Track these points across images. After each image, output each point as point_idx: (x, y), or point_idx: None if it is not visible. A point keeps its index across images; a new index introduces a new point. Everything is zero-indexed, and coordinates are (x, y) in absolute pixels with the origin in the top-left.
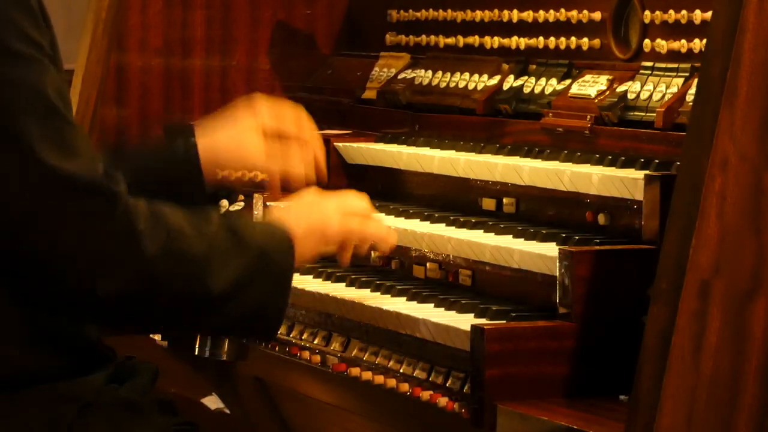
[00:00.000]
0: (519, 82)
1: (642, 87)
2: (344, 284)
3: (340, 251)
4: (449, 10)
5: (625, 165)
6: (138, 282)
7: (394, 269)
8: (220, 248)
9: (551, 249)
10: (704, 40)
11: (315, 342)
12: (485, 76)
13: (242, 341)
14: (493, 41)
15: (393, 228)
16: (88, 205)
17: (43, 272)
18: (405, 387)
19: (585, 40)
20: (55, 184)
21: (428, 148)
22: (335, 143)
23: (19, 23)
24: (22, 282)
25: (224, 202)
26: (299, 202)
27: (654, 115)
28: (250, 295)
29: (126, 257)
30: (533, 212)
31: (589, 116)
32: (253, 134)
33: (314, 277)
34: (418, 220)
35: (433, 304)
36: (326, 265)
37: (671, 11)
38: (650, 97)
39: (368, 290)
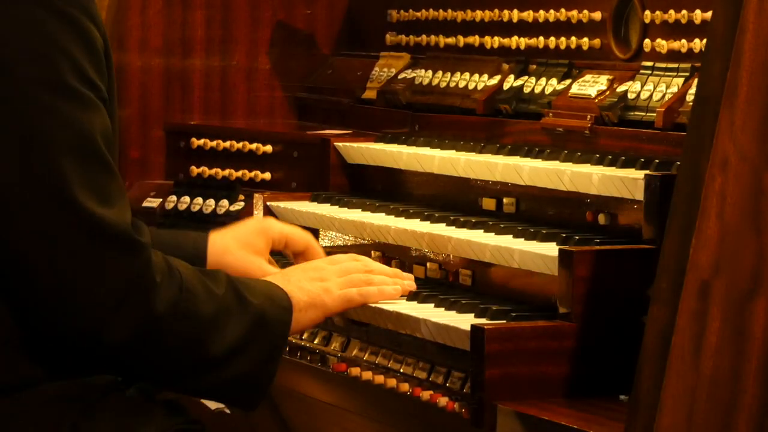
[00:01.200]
0: (519, 82)
1: (642, 87)
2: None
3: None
4: (449, 10)
5: (625, 165)
6: (143, 335)
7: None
8: (226, 311)
9: (551, 249)
10: (704, 40)
11: (315, 342)
12: (485, 76)
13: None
14: (493, 41)
15: (393, 228)
16: (114, 254)
17: (56, 310)
18: (405, 387)
19: (585, 40)
20: (87, 228)
21: (428, 148)
22: (335, 143)
23: (80, 62)
24: (31, 313)
25: (224, 202)
26: (299, 271)
27: (654, 115)
28: (243, 361)
29: (137, 309)
30: (533, 212)
31: (589, 116)
32: (260, 240)
33: None
34: (418, 220)
35: (433, 304)
36: None
37: (671, 11)
38: (650, 97)
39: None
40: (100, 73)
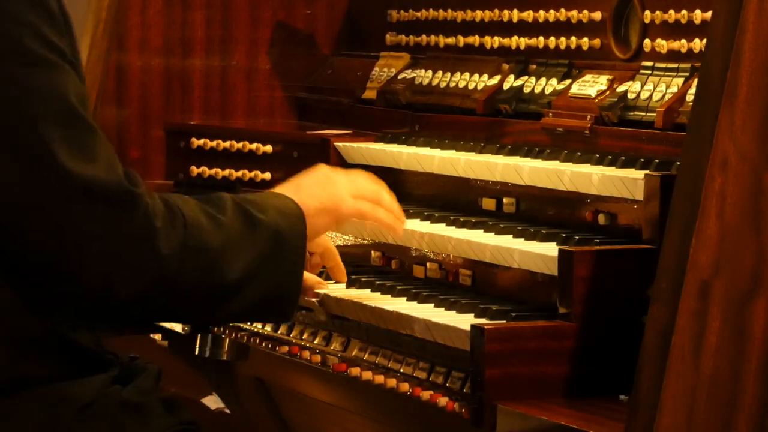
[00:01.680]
0: (519, 82)
1: (642, 87)
2: (344, 284)
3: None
4: (449, 10)
5: (625, 165)
6: (158, 282)
7: (394, 269)
8: (236, 236)
9: (551, 249)
10: (704, 40)
11: (315, 342)
12: (485, 76)
13: (243, 342)
14: (493, 41)
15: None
16: (110, 210)
17: (65, 279)
18: (405, 387)
19: (585, 40)
20: (77, 190)
21: (428, 148)
22: (335, 143)
23: (39, 28)
24: (40, 289)
25: None
26: (311, 179)
27: (654, 115)
28: (265, 279)
29: (145, 259)
30: (533, 212)
31: (589, 116)
32: None
33: None
34: (418, 220)
35: (433, 304)
36: None
37: (671, 11)
38: (650, 97)
39: (368, 290)
40: (61, 36)
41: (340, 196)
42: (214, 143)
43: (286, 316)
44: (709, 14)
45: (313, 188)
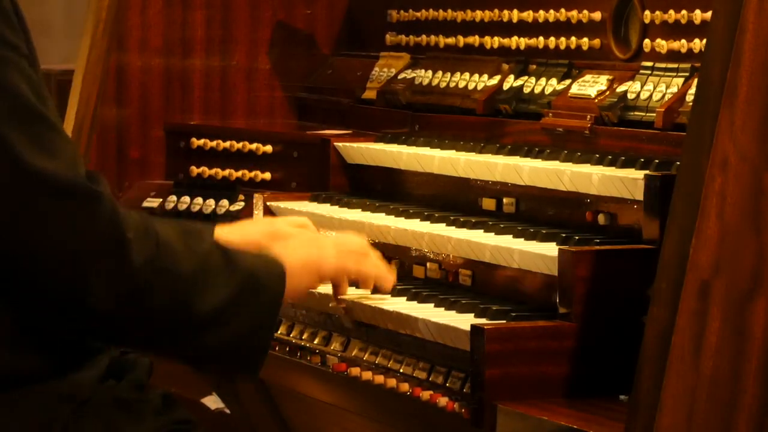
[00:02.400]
0: (519, 82)
1: (642, 87)
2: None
3: (336, 285)
4: (449, 10)
5: (625, 165)
6: (125, 292)
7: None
8: (210, 269)
9: (551, 249)
10: (704, 40)
11: (315, 342)
12: (485, 76)
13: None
14: (493, 41)
15: (393, 228)
16: (72, 206)
17: (32, 278)
18: (405, 387)
19: (585, 40)
20: (39, 185)
21: (428, 148)
22: (335, 143)
23: None
24: (14, 290)
25: (224, 202)
26: (297, 238)
27: (654, 115)
28: (236, 322)
29: (113, 263)
30: (533, 212)
31: (589, 116)
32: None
33: None
34: (418, 220)
35: (433, 304)
36: None
37: (671, 11)
38: (650, 97)
39: (368, 290)
40: (14, 30)
41: (323, 255)
42: (214, 143)
43: (254, 369)
44: (709, 14)
45: (297, 249)
